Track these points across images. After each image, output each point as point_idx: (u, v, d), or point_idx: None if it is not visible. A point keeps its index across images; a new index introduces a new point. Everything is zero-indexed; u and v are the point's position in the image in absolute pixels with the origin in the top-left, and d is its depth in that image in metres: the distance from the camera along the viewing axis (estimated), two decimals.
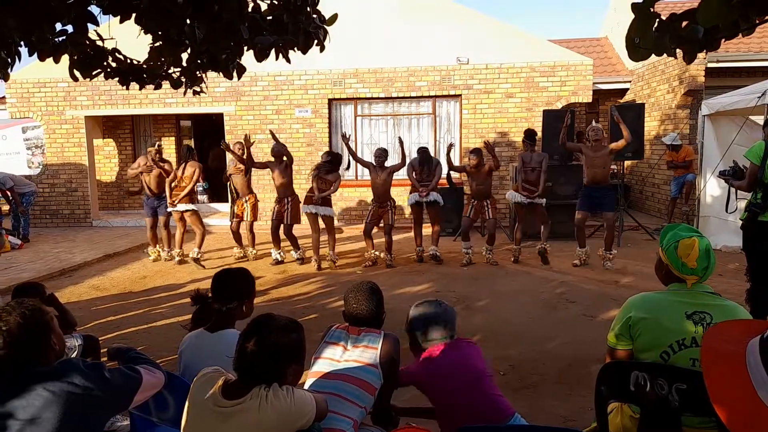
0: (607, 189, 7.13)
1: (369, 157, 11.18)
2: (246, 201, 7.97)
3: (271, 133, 7.92)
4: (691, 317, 2.07)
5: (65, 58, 3.15)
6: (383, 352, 2.32)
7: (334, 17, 3.22)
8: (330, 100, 11.13)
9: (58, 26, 2.93)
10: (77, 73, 3.17)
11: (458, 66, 10.73)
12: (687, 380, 1.91)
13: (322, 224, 7.57)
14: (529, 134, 7.60)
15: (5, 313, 1.77)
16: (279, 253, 7.76)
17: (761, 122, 6.98)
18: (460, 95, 10.85)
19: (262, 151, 10.76)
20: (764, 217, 4.41)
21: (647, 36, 1.60)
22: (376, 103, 11.21)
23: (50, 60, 3.09)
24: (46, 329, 1.83)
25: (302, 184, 11.19)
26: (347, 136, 7.57)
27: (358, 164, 8.10)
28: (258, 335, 1.82)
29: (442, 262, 7.60)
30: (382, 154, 7.50)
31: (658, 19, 1.63)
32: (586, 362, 4.13)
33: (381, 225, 7.68)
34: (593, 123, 7.16)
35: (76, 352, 3.26)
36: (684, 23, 1.76)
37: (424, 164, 7.70)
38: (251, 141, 7.56)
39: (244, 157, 7.61)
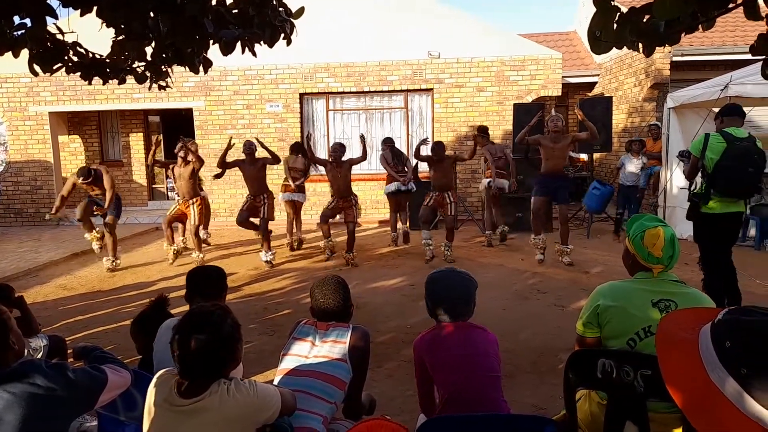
0: (562, 179, 7.02)
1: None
2: (192, 203, 7.41)
3: (259, 141, 7.64)
4: (656, 305, 2.12)
5: (25, 53, 3.06)
6: (352, 345, 2.31)
7: (301, 10, 3.20)
8: (301, 95, 11.06)
9: (17, 20, 2.85)
10: (37, 68, 3.08)
11: (429, 60, 10.76)
12: (651, 366, 1.95)
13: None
14: (482, 129, 8.53)
15: None
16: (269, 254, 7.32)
17: None
18: (431, 89, 10.88)
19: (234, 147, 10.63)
20: (705, 209, 4.59)
21: (608, 29, 1.63)
22: (347, 98, 11.17)
23: (10, 55, 3.01)
24: (4, 329, 1.79)
25: (274, 180, 11.13)
26: (310, 137, 7.76)
27: (317, 164, 7.79)
28: (203, 331, 1.77)
29: (410, 241, 8.22)
30: (339, 148, 7.36)
31: (618, 13, 1.66)
32: (557, 351, 4.20)
33: (343, 219, 7.51)
34: (552, 112, 7.11)
35: (41, 353, 3.20)
36: (645, 17, 1.79)
37: (395, 156, 8.19)
38: (232, 144, 7.33)
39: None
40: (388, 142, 8.45)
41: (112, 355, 2.20)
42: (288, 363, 2.32)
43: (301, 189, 8.23)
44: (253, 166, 7.43)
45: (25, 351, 2.39)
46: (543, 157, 7.01)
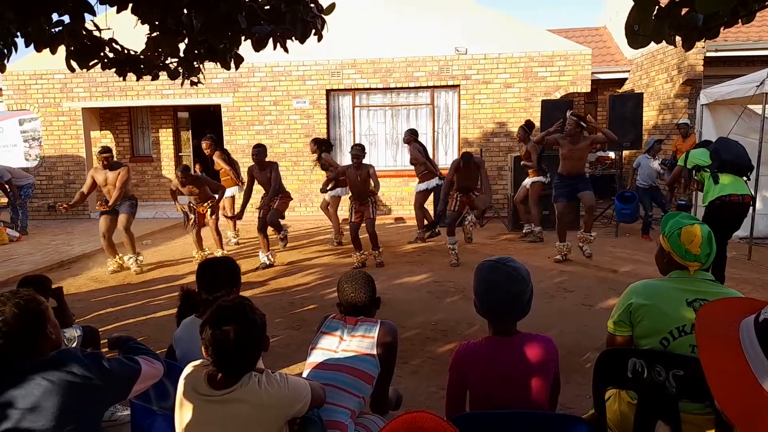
0: (582, 179, 6.92)
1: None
2: (207, 204, 7.38)
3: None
4: (691, 304, 2.08)
5: (62, 49, 3.13)
6: (380, 340, 2.32)
7: (332, 6, 3.21)
8: (328, 91, 11.10)
9: (55, 17, 2.92)
10: (74, 64, 3.15)
11: (456, 56, 10.70)
12: (684, 366, 1.92)
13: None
14: (529, 125, 8.44)
15: (0, 303, 1.77)
16: (267, 257, 7.20)
17: (759, 111, 7.01)
18: (458, 85, 10.83)
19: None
20: (718, 192, 5.42)
21: (646, 23, 1.60)
22: (374, 94, 11.18)
23: (47, 51, 3.07)
24: (42, 318, 1.83)
25: (300, 176, 11.22)
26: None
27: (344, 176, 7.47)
28: (239, 324, 1.79)
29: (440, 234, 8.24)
30: (360, 152, 7.06)
31: (657, 6, 1.63)
32: (584, 350, 4.16)
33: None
34: (568, 114, 6.98)
35: (76, 343, 3.28)
36: (684, 10, 1.76)
37: (425, 149, 8.52)
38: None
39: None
40: (414, 134, 8.46)
41: (146, 346, 2.24)
42: (316, 357, 2.34)
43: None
44: (264, 173, 7.16)
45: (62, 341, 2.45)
46: (561, 157, 6.90)
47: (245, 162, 10.07)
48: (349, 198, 7.46)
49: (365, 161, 7.17)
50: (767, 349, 1.04)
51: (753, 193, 5.82)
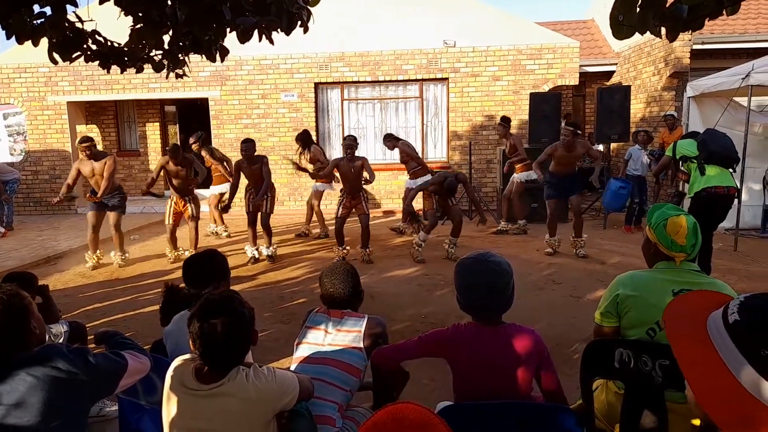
0: (574, 177, 7.01)
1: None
2: (189, 200, 7.24)
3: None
4: (677, 295, 2.09)
5: (44, 41, 3.08)
6: (367, 334, 2.32)
7: None
8: (316, 84, 11.05)
9: (36, 8, 2.87)
10: (57, 56, 3.10)
11: (445, 49, 10.69)
12: (670, 356, 1.93)
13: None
14: (505, 119, 8.39)
15: None
16: (255, 250, 7.14)
17: (745, 103, 7.07)
18: (447, 78, 10.82)
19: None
20: (704, 184, 5.46)
21: (631, 13, 1.60)
22: (362, 87, 11.14)
23: (30, 45, 3.03)
24: (25, 313, 1.81)
25: (289, 169, 11.13)
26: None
27: (336, 173, 7.29)
28: (228, 317, 1.78)
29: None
30: (354, 143, 6.92)
31: None
32: (573, 342, 4.19)
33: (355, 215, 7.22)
34: (563, 124, 7.01)
35: (62, 339, 3.25)
36: (669, 1, 1.76)
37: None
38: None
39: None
40: (393, 137, 8.36)
41: (132, 340, 2.22)
42: (303, 351, 2.34)
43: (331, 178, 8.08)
44: (254, 166, 6.90)
45: (47, 337, 2.42)
46: (555, 160, 6.91)
47: (233, 156, 10.03)
48: (340, 191, 7.38)
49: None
50: (742, 347, 1.04)
51: (738, 185, 5.89)
